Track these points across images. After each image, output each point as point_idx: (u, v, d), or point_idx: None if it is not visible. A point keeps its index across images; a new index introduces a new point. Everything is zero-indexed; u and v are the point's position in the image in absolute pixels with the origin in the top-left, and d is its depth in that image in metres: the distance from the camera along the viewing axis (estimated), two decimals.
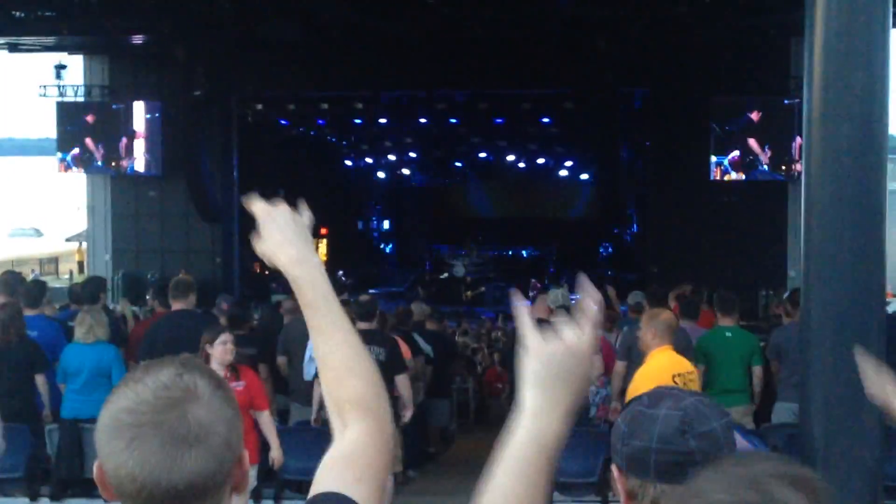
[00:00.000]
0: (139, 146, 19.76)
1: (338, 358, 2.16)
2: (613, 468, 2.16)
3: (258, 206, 2.28)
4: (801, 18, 5.72)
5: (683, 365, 7.13)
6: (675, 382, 6.70)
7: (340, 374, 2.15)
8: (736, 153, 18.88)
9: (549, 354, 2.06)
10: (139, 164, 19.79)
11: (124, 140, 19.77)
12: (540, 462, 1.99)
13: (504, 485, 1.98)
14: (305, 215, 2.33)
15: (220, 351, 7.62)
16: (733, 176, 19.11)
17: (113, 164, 19.97)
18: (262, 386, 7.92)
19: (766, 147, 18.59)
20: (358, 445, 2.07)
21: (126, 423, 1.73)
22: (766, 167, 18.66)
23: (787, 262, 18.76)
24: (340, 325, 2.19)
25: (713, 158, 19.07)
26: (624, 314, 13.10)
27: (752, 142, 18.73)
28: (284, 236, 2.25)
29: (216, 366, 7.50)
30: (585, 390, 2.05)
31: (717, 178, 19.15)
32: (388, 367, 9.20)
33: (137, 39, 18.48)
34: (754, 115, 18.70)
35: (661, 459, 2.07)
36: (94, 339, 8.95)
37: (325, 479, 2.00)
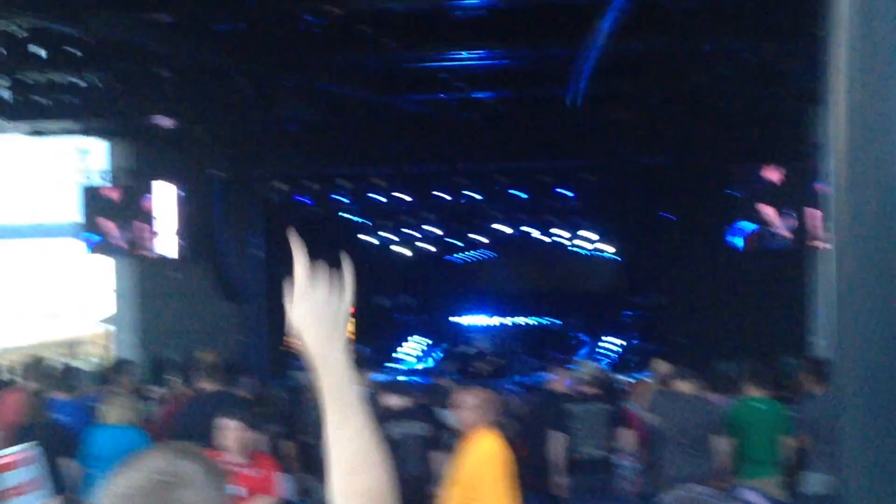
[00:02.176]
0: (164, 228, 19.84)
1: (351, 449, 2.15)
2: None
3: (301, 264, 2.29)
4: (819, 86, 5.72)
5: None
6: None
7: (354, 465, 2.15)
8: (756, 220, 18.83)
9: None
10: (165, 248, 19.84)
11: (148, 222, 19.84)
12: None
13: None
14: (347, 293, 2.34)
15: (228, 437, 7.53)
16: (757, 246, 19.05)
17: (137, 249, 20.04)
18: (276, 473, 7.77)
19: (785, 215, 18.52)
20: None
21: None
22: (785, 238, 18.57)
23: (808, 329, 18.64)
24: (354, 415, 2.18)
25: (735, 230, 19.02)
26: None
27: (770, 211, 18.66)
28: (317, 312, 2.25)
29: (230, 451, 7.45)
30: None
31: (746, 245, 19.06)
32: (432, 442, 9.12)
33: (159, 123, 18.64)
34: (774, 178, 18.67)
35: None
36: (125, 422, 8.97)
37: None
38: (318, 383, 2.23)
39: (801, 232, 18.44)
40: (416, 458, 8.89)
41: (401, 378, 10.47)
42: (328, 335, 2.25)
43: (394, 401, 9.49)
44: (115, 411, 9.12)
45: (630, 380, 15.24)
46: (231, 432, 7.52)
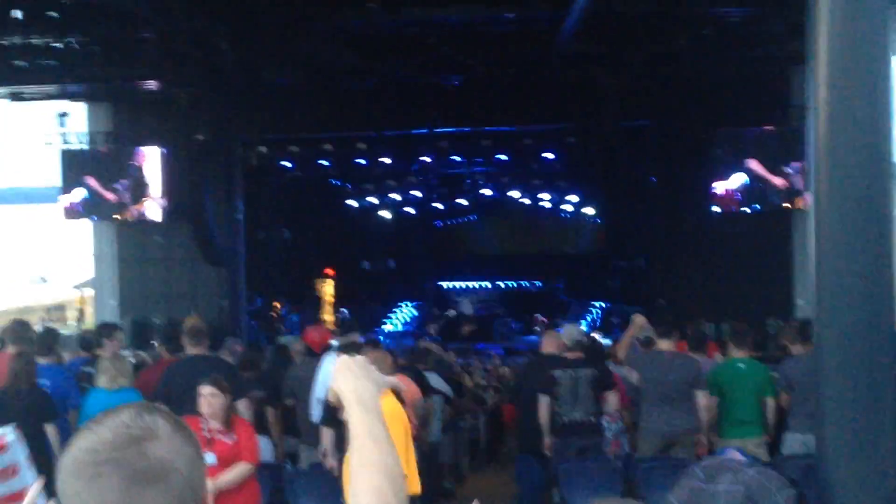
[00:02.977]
0: (145, 191, 19.77)
1: (369, 474, 2.17)
2: None
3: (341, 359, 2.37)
4: (800, 48, 5.73)
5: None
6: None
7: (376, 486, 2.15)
8: (742, 179, 18.87)
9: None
10: (147, 211, 19.79)
11: (129, 186, 19.78)
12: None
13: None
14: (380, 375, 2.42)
15: (202, 403, 7.48)
16: (742, 208, 19.11)
17: (118, 212, 19.98)
18: (254, 440, 7.70)
19: (772, 173, 18.60)
20: None
21: (86, 462, 1.74)
22: (775, 195, 18.63)
23: (794, 292, 18.73)
24: (379, 442, 2.22)
25: (717, 187, 19.07)
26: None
27: (757, 166, 18.71)
28: (353, 374, 2.36)
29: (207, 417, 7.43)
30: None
31: (725, 207, 19.12)
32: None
33: (140, 86, 18.54)
34: (756, 143, 18.75)
35: None
36: (118, 386, 8.96)
37: None
38: (349, 417, 2.29)
39: (787, 192, 18.52)
40: None
41: (379, 339, 10.52)
42: (362, 378, 2.35)
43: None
44: (107, 376, 9.12)
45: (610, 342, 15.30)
46: (206, 398, 7.46)
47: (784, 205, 18.60)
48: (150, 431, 1.77)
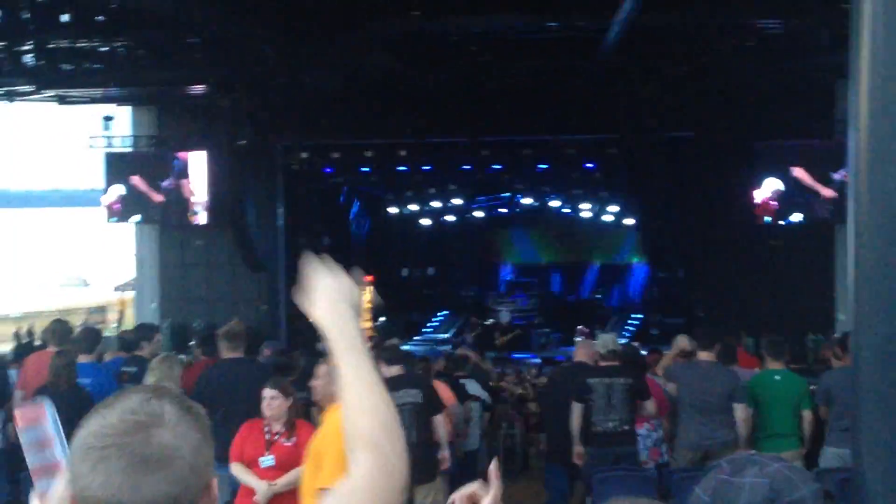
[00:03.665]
0: (189, 196, 19.91)
1: (350, 395, 2.21)
2: None
3: (312, 268, 2.35)
4: (845, 60, 5.70)
5: None
6: None
7: (352, 411, 2.20)
8: (776, 185, 18.74)
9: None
10: (190, 215, 19.93)
11: (172, 190, 19.92)
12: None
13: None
14: (358, 289, 2.41)
15: (264, 406, 7.57)
16: (780, 220, 18.97)
17: (162, 216, 20.14)
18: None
19: (820, 183, 18.46)
20: (359, 480, 2.11)
21: (93, 447, 1.78)
22: (823, 206, 18.47)
23: (836, 306, 18.58)
24: (358, 364, 2.25)
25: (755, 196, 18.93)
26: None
27: (803, 175, 18.58)
28: (326, 294, 2.34)
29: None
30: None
31: (762, 216, 18.97)
32: (425, 409, 9.20)
33: (184, 91, 18.69)
34: (800, 158, 18.63)
35: None
36: None
37: None
38: (330, 346, 2.28)
39: (829, 206, 18.38)
40: (410, 425, 8.96)
41: (406, 348, 10.56)
42: (335, 307, 2.32)
43: (391, 370, 9.55)
44: (154, 377, 9.21)
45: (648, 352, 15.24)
46: (267, 401, 7.55)
47: (828, 217, 18.43)
48: (156, 417, 1.81)
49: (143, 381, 9.32)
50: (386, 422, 2.18)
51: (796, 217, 18.89)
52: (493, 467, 2.39)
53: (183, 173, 19.94)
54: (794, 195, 18.81)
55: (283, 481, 7.33)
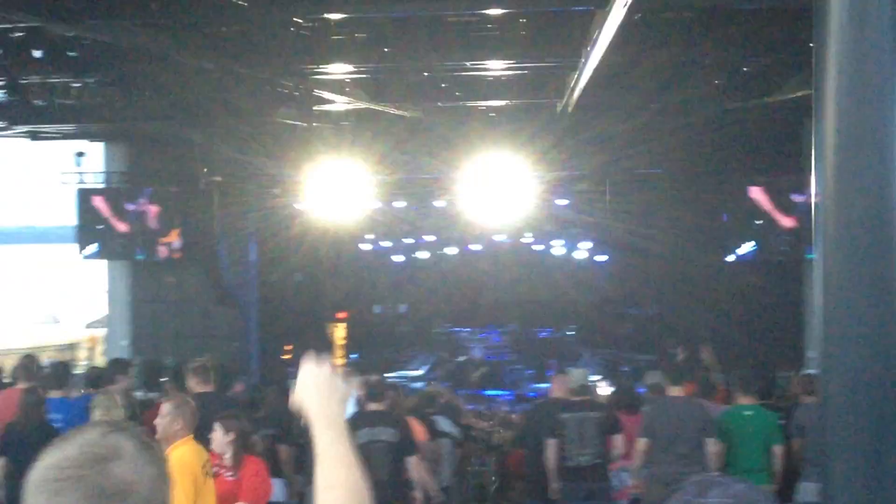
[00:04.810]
0: (160, 232, 19.84)
1: (327, 473, 2.25)
2: None
3: (307, 366, 2.41)
4: (811, 99, 5.78)
5: (203, 454, 7.16)
6: (204, 472, 6.72)
7: (327, 489, 2.23)
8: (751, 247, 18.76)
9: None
10: (161, 251, 19.84)
11: (143, 226, 19.85)
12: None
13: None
14: (347, 384, 2.48)
15: (214, 438, 7.59)
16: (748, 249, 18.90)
17: (133, 252, 20.05)
18: (258, 480, 7.70)
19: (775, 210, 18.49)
20: None
21: (49, 479, 1.80)
22: (780, 238, 18.46)
23: (805, 343, 18.67)
24: (339, 447, 2.29)
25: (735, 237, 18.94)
26: (643, 394, 13.04)
27: (760, 197, 18.60)
28: (314, 381, 2.42)
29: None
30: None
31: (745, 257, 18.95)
32: (399, 449, 9.21)
33: (157, 127, 18.67)
34: (766, 194, 18.70)
35: None
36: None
37: None
38: (311, 425, 2.36)
39: (797, 244, 18.47)
40: (382, 463, 8.97)
41: (375, 380, 10.58)
42: (327, 396, 2.38)
43: (369, 406, 9.56)
44: (101, 411, 9.15)
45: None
46: (214, 434, 7.58)
47: (787, 250, 18.48)
48: (114, 451, 1.82)
49: (91, 415, 9.25)
50: (360, 501, 2.19)
51: (747, 248, 18.84)
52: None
53: (152, 203, 19.86)
54: (748, 222, 18.75)
55: None
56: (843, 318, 5.53)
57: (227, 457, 7.55)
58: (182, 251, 19.83)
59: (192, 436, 7.20)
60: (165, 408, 7.43)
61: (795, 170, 18.05)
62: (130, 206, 19.92)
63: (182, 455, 6.89)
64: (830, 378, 5.68)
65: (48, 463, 1.82)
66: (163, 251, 19.89)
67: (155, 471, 1.86)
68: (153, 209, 19.87)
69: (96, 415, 9.10)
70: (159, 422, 7.25)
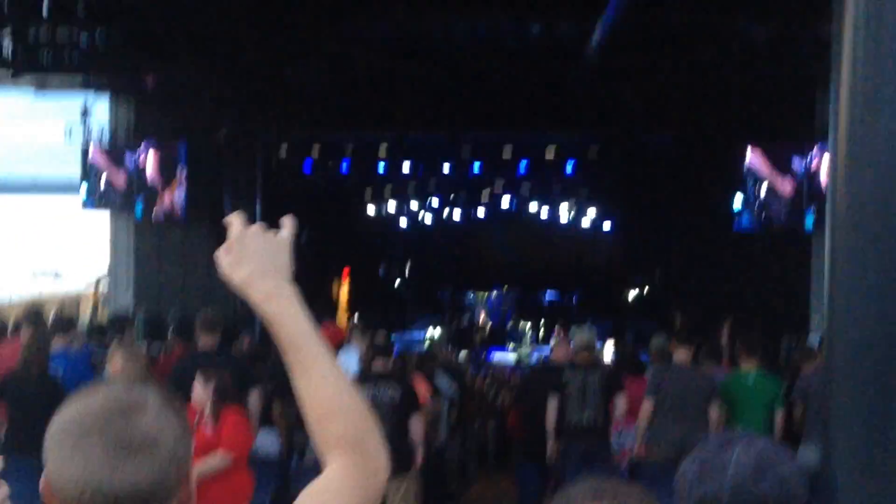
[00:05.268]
0: (165, 186, 19.79)
1: (319, 397, 2.09)
2: None
3: (235, 226, 2.18)
4: (826, 68, 5.72)
5: None
6: None
7: (323, 413, 2.08)
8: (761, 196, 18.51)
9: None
10: (166, 206, 19.79)
11: (148, 180, 19.81)
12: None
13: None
14: (285, 230, 2.23)
15: (195, 391, 7.64)
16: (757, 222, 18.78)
17: (140, 205, 20.01)
18: (238, 431, 7.71)
19: (792, 193, 18.31)
20: (334, 478, 2.04)
21: (73, 429, 1.76)
22: (781, 206, 18.29)
23: (811, 311, 18.64)
24: (320, 360, 2.11)
25: (737, 204, 18.76)
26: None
27: (758, 160, 18.40)
28: (257, 265, 2.15)
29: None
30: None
31: (743, 226, 18.79)
32: (402, 409, 9.22)
33: (164, 81, 18.60)
34: (777, 164, 18.55)
35: None
36: (125, 375, 9.00)
37: None
38: (275, 338, 2.15)
39: (802, 212, 18.39)
40: (385, 421, 9.00)
41: (382, 340, 10.56)
42: (275, 287, 2.15)
43: (375, 365, 9.58)
44: (117, 363, 9.17)
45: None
46: (195, 386, 7.64)
47: (782, 221, 18.36)
48: (138, 404, 1.78)
49: (106, 367, 9.27)
50: (362, 417, 2.10)
51: (754, 214, 18.62)
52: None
53: (160, 164, 19.81)
54: (756, 189, 18.52)
55: (197, 468, 7.32)
56: (850, 285, 5.50)
57: (207, 409, 7.58)
58: (186, 205, 19.78)
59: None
60: (117, 355, 7.48)
61: (806, 138, 17.97)
62: (135, 160, 19.86)
63: None
64: (835, 343, 5.66)
65: (71, 415, 1.79)
66: (166, 205, 19.84)
67: (179, 426, 1.83)
68: (158, 163, 19.81)
69: (116, 365, 9.13)
70: (113, 369, 7.32)
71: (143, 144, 19.87)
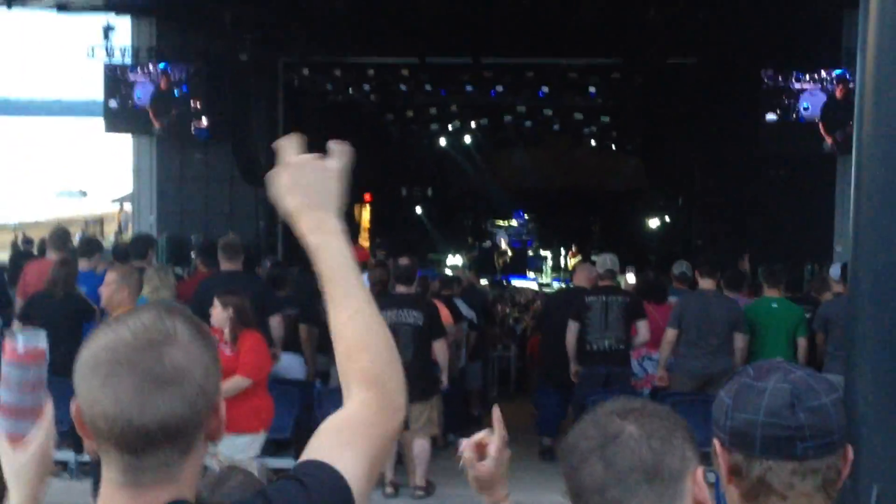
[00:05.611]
0: (187, 108, 19.74)
1: (349, 331, 2.13)
2: (715, 443, 2.12)
3: (288, 151, 2.22)
4: None
5: None
6: None
7: (350, 347, 2.12)
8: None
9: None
10: (189, 127, 19.76)
11: (171, 102, 19.77)
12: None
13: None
14: (336, 159, 2.24)
15: (213, 314, 7.69)
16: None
17: (160, 127, 19.98)
18: (256, 354, 7.77)
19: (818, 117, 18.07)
20: (353, 413, 2.06)
21: (103, 361, 1.77)
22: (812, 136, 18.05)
23: (834, 237, 18.57)
24: (355, 295, 2.15)
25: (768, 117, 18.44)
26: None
27: (804, 108, 18.18)
28: (309, 196, 2.20)
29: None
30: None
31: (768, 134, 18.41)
32: (426, 333, 9.26)
33: (185, 1, 18.49)
34: (803, 87, 18.33)
35: (768, 434, 2.03)
36: (158, 297, 9.10)
37: (313, 445, 1.99)
38: (316, 267, 2.17)
39: (824, 138, 18.22)
40: (408, 344, 9.06)
41: (406, 263, 10.55)
42: (319, 219, 2.19)
43: (398, 288, 9.61)
44: (150, 286, 9.25)
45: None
46: (213, 310, 7.67)
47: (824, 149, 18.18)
48: (168, 336, 1.79)
49: (141, 291, 9.34)
50: (387, 356, 2.13)
51: (770, 117, 18.36)
52: (496, 413, 2.42)
53: (181, 85, 19.76)
54: (780, 115, 18.27)
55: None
56: (876, 213, 5.46)
57: (226, 332, 7.64)
58: (211, 128, 19.75)
59: (136, 304, 7.33)
60: (110, 276, 7.53)
61: (833, 62, 17.77)
62: (156, 81, 19.81)
63: None
64: (859, 271, 5.63)
65: (100, 345, 1.80)
66: (188, 127, 19.81)
67: (208, 357, 1.84)
68: (179, 84, 19.75)
69: (145, 290, 9.21)
70: (104, 290, 7.38)
71: (167, 67, 19.80)
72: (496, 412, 2.43)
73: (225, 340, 7.60)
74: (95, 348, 1.79)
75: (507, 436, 2.34)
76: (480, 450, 2.37)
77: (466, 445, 2.36)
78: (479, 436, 2.36)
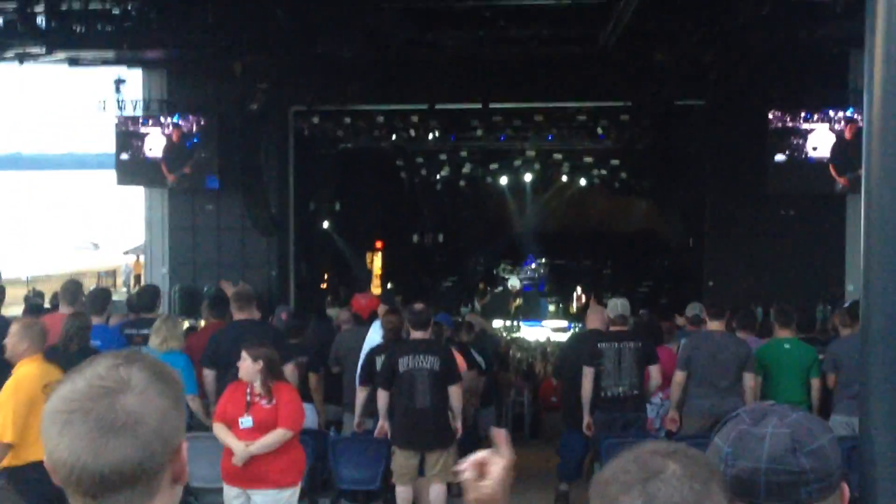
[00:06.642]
0: (199, 160, 19.87)
1: None
2: None
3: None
4: (859, 29, 5.66)
5: (53, 373, 7.21)
6: (45, 392, 6.76)
7: None
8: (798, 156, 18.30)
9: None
10: (200, 179, 19.89)
11: (182, 154, 19.89)
12: None
13: None
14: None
15: (242, 367, 7.70)
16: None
17: (171, 180, 20.10)
18: (295, 405, 7.78)
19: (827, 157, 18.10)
20: None
21: (60, 411, 1.84)
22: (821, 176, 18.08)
23: (846, 276, 18.54)
24: None
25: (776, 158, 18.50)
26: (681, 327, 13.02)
27: (813, 149, 18.22)
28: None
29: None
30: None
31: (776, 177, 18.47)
32: (443, 378, 9.25)
33: (195, 54, 18.63)
34: (813, 127, 18.38)
35: (772, 480, 2.04)
36: (167, 348, 9.12)
37: None
38: None
39: (834, 178, 18.23)
40: (426, 390, 9.08)
41: (420, 308, 10.50)
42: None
43: (413, 334, 9.62)
44: (159, 337, 9.29)
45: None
46: (242, 363, 7.66)
47: (833, 188, 18.19)
48: (123, 383, 1.85)
49: (149, 342, 9.38)
50: None
51: (779, 157, 18.40)
52: (500, 434, 2.42)
53: (193, 137, 19.88)
54: (789, 155, 18.31)
55: (258, 444, 7.47)
56: (886, 251, 5.45)
57: (257, 384, 7.62)
58: (223, 179, 19.86)
59: (40, 355, 7.37)
60: (13, 328, 7.58)
61: (840, 102, 17.82)
62: (168, 133, 19.95)
63: (25, 372, 7.14)
64: (871, 310, 5.61)
65: (59, 395, 1.87)
66: (199, 178, 19.93)
67: (166, 402, 1.89)
68: (191, 136, 19.88)
69: (153, 341, 9.24)
70: (7, 341, 7.44)
71: (175, 117, 19.94)
72: (501, 432, 2.43)
73: (258, 393, 7.60)
74: (55, 398, 1.86)
75: (513, 457, 2.34)
76: (482, 470, 2.36)
77: (469, 465, 2.35)
78: (481, 455, 2.35)
